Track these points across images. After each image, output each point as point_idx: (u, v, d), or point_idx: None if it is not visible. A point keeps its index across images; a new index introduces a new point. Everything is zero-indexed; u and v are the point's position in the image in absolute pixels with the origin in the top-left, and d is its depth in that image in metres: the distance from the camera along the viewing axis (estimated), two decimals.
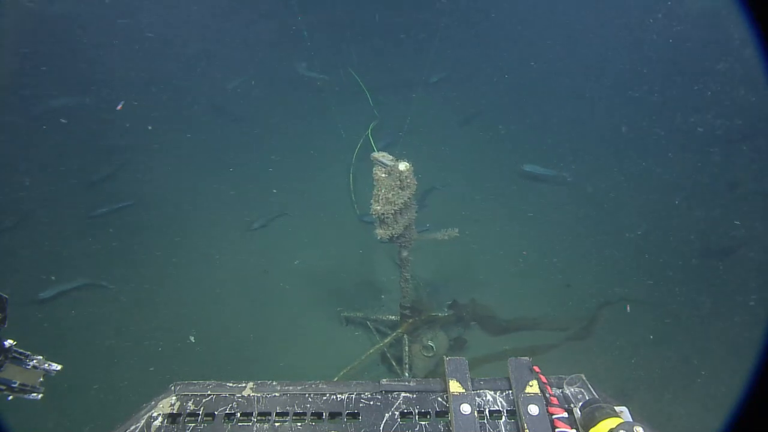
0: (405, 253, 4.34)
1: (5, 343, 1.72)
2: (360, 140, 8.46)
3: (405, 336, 5.23)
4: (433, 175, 8.11)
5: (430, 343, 5.21)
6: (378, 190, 3.61)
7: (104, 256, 6.96)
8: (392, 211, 3.67)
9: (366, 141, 8.33)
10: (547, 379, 1.71)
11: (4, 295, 1.68)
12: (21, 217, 7.48)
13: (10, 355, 1.74)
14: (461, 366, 1.77)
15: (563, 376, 1.74)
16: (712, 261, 6.68)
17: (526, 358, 1.81)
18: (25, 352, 1.81)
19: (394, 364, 5.26)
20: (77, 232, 7.32)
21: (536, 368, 1.75)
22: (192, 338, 5.83)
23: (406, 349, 5.16)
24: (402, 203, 3.67)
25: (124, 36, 11.10)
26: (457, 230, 4.56)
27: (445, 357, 1.84)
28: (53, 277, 6.50)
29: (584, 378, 1.71)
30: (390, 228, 3.84)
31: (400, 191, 3.61)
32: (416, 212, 4.03)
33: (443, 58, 11.04)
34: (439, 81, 10.47)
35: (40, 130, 9.02)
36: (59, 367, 1.91)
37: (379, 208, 3.63)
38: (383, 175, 3.56)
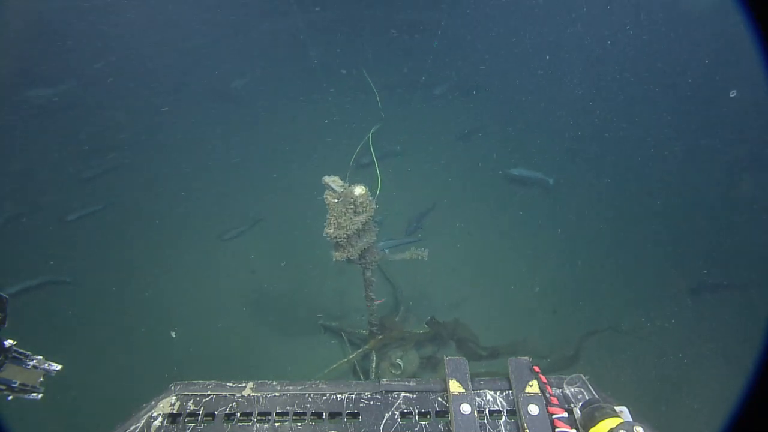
0: (368, 274, 4.27)
1: (5, 343, 1.72)
2: (360, 144, 8.36)
3: (373, 352, 5.17)
4: (431, 189, 7.98)
5: (398, 361, 5.10)
6: (330, 215, 3.54)
7: (90, 255, 6.99)
8: (344, 236, 3.58)
9: (367, 144, 8.24)
10: (547, 379, 1.71)
11: (4, 296, 1.68)
12: (9, 217, 7.49)
13: (10, 355, 1.74)
14: (461, 366, 1.77)
15: (563, 376, 1.74)
16: (706, 295, 6.44)
17: (526, 358, 1.80)
18: (25, 352, 1.81)
19: (362, 378, 5.21)
20: (62, 232, 7.34)
21: (536, 368, 1.75)
22: (173, 334, 5.92)
23: (373, 366, 5.10)
24: (355, 228, 3.58)
25: (121, 30, 11.06)
26: (426, 251, 4.45)
27: (445, 357, 1.84)
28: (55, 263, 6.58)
29: (584, 378, 1.71)
30: (345, 251, 3.75)
31: (353, 216, 3.53)
32: (376, 234, 3.92)
33: (447, 66, 10.88)
34: (442, 93, 10.25)
35: (32, 125, 9.00)
36: (59, 367, 1.92)
37: (331, 231, 3.55)
38: (334, 200, 3.47)
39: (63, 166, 8.43)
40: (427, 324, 5.44)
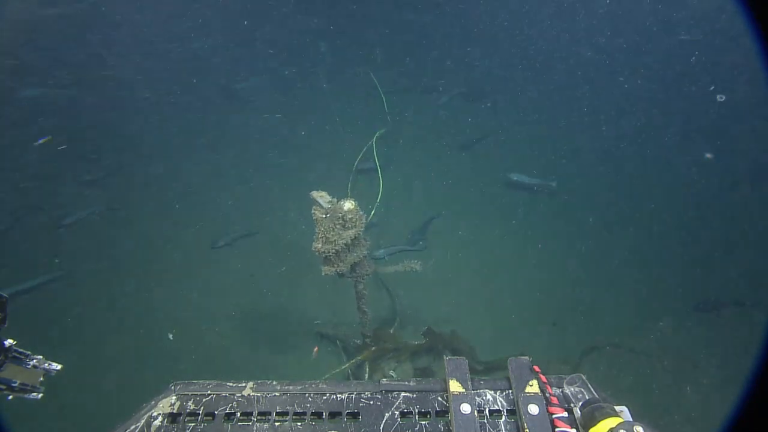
0: (360, 287, 4.28)
1: (5, 342, 1.72)
2: (363, 150, 8.11)
3: (366, 363, 5.15)
4: (434, 196, 7.86)
5: (391, 373, 5.07)
6: (318, 229, 3.55)
7: (89, 257, 6.99)
8: (333, 250, 3.59)
9: (369, 149, 8.08)
10: (547, 378, 1.71)
11: (4, 295, 1.68)
12: (13, 221, 7.47)
13: (10, 355, 1.74)
14: (461, 366, 1.77)
15: (563, 375, 1.74)
16: (710, 312, 6.29)
17: (526, 357, 1.81)
18: (25, 351, 1.81)
19: None
20: (63, 234, 7.33)
21: (536, 368, 1.75)
22: (171, 336, 5.99)
23: (366, 377, 5.09)
24: (343, 243, 3.58)
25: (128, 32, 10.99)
26: (419, 263, 4.45)
27: (445, 357, 1.84)
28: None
29: (584, 378, 1.71)
30: (334, 265, 3.77)
31: (341, 231, 3.53)
32: (366, 250, 3.93)
33: (454, 72, 10.64)
34: (448, 101, 10.00)
35: (36, 126, 8.95)
36: (59, 367, 1.92)
37: (319, 246, 3.57)
38: (321, 216, 3.49)
39: (65, 169, 8.39)
40: (423, 335, 5.37)
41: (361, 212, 3.64)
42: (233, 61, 11.04)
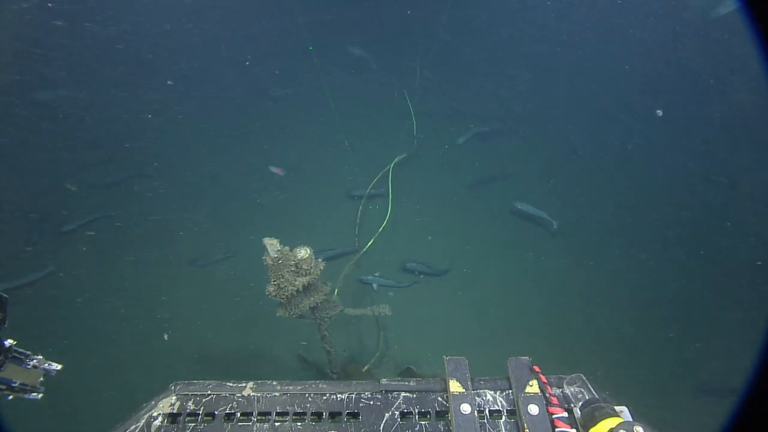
0: (323, 328, 4.31)
1: (5, 342, 1.72)
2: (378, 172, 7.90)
3: None
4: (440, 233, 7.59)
5: None
6: (270, 275, 3.60)
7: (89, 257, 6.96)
8: (284, 296, 3.63)
9: (385, 173, 7.81)
10: (547, 378, 1.71)
11: (4, 296, 1.68)
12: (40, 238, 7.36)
13: (10, 355, 1.74)
14: (461, 366, 1.78)
15: (563, 375, 1.74)
16: (711, 396, 5.81)
17: (526, 357, 1.81)
18: (25, 351, 1.82)
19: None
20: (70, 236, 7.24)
21: (536, 368, 1.75)
22: (166, 336, 6.00)
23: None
24: (294, 290, 3.62)
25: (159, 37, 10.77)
26: (388, 308, 4.49)
27: (444, 357, 1.84)
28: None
29: (584, 378, 1.71)
30: (287, 309, 3.81)
31: (292, 278, 3.58)
32: (324, 295, 3.95)
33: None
34: (467, 141, 9.27)
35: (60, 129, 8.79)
36: (59, 367, 1.92)
37: (271, 290, 3.63)
38: (270, 263, 3.52)
39: (79, 174, 8.26)
40: (400, 375, 5.16)
41: (317, 260, 3.70)
42: (272, 67, 10.65)
